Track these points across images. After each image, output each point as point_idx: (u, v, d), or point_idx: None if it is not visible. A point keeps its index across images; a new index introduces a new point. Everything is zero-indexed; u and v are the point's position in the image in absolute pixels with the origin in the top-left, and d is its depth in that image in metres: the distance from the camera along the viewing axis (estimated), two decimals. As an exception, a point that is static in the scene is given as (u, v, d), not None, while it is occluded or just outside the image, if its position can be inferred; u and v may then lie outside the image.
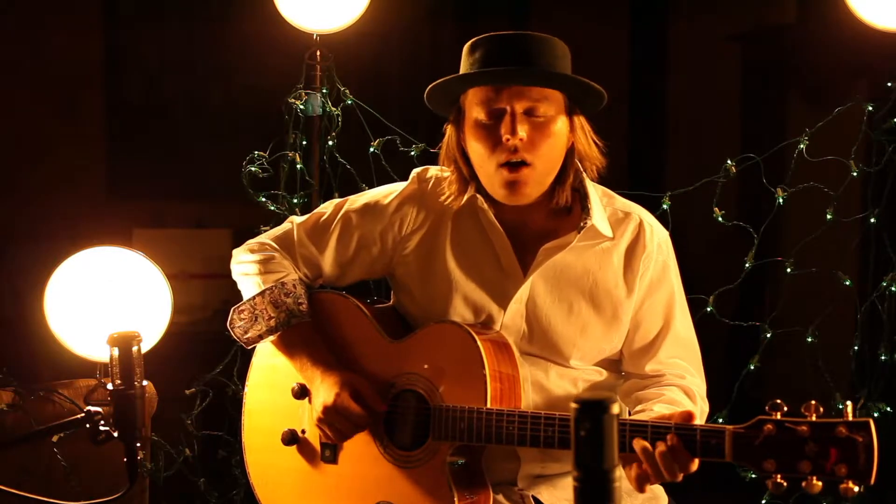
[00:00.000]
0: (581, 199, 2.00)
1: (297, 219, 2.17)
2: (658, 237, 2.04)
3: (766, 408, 1.56)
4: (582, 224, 1.96)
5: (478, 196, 1.99)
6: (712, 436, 1.62)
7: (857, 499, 2.73)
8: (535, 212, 2.00)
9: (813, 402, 1.53)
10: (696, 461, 1.68)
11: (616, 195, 2.08)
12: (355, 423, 1.94)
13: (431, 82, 1.96)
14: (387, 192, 2.11)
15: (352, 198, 2.16)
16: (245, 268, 2.12)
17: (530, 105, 1.90)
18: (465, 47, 1.97)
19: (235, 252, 2.17)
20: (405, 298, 2.10)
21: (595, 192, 2.02)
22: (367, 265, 2.11)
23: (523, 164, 1.89)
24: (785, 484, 1.54)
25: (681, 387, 1.97)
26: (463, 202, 2.01)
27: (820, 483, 1.51)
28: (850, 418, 1.50)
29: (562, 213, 2.01)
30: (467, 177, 1.99)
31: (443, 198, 2.03)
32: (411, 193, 2.08)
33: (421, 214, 2.06)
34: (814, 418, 1.52)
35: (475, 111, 1.92)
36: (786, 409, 1.55)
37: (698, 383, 2.02)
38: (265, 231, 2.24)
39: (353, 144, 2.82)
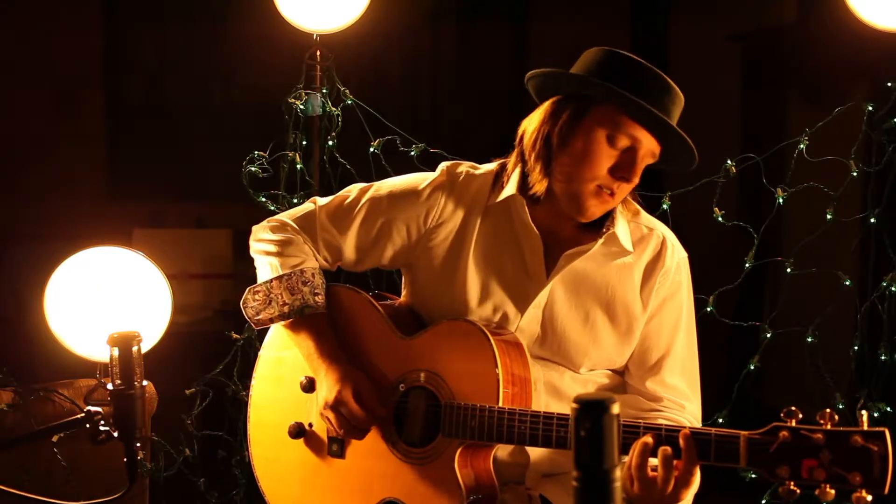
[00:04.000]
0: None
1: (320, 200, 2.14)
2: (678, 257, 2.04)
3: (781, 414, 1.57)
4: (605, 230, 1.96)
5: (517, 196, 1.98)
6: (727, 441, 1.62)
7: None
8: (567, 220, 1.99)
9: (828, 410, 1.53)
10: (696, 479, 1.68)
11: (641, 209, 2.07)
12: (354, 422, 1.93)
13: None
14: (415, 181, 2.08)
15: (377, 183, 2.13)
16: (264, 246, 2.10)
17: (650, 159, 1.93)
18: (619, 55, 1.92)
19: (255, 229, 2.14)
20: (422, 292, 2.08)
21: (621, 204, 2.01)
22: (389, 253, 2.08)
23: (613, 193, 1.92)
24: (798, 491, 1.55)
25: (676, 423, 1.94)
26: (498, 200, 2.01)
27: (833, 491, 1.51)
28: (866, 427, 1.51)
29: (591, 223, 2.00)
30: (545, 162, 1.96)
31: (514, 176, 2.00)
32: (441, 184, 2.06)
33: (448, 207, 2.04)
34: (829, 426, 1.53)
35: (607, 125, 1.88)
36: (800, 416, 1.56)
37: (694, 410, 2.03)
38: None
39: (353, 144, 2.82)
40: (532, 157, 1.96)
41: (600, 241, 1.96)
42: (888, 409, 2.74)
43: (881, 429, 1.50)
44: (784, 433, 1.55)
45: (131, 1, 4.90)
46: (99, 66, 4.91)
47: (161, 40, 4.93)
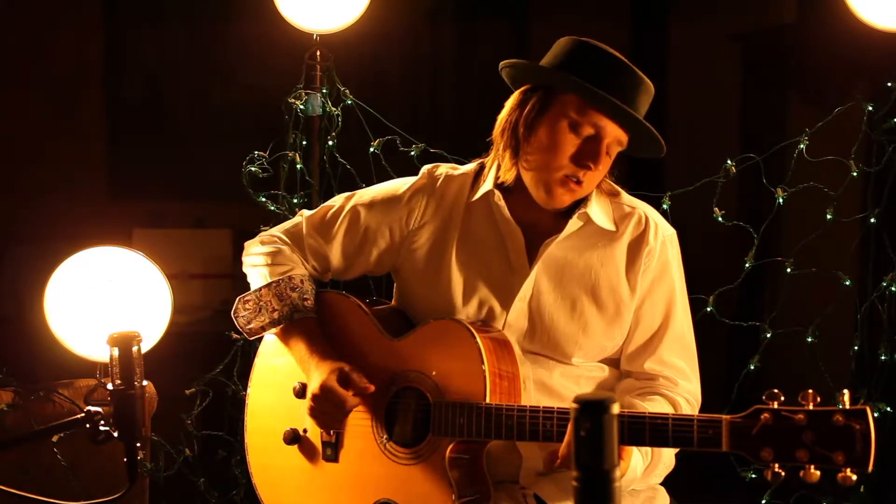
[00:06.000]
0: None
1: (307, 212, 2.19)
2: (663, 234, 2.04)
3: (763, 397, 1.57)
4: (578, 211, 1.97)
5: (495, 192, 2.00)
6: (709, 426, 1.62)
7: (858, 499, 2.73)
8: (545, 210, 2.00)
9: (810, 391, 1.54)
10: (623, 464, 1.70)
11: (623, 191, 2.08)
12: (341, 406, 1.93)
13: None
14: (396, 186, 2.12)
15: (361, 191, 2.17)
16: (254, 259, 2.14)
17: (616, 147, 1.95)
18: (587, 45, 1.94)
19: (247, 244, 2.18)
20: (410, 294, 2.10)
21: (599, 188, 2.02)
22: (375, 258, 2.11)
23: (579, 182, 1.93)
24: (783, 473, 1.54)
25: (667, 397, 1.96)
26: (477, 196, 2.02)
27: (818, 472, 1.51)
28: (847, 406, 1.51)
29: (569, 212, 2.01)
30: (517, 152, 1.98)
31: (491, 168, 2.03)
32: (421, 188, 2.09)
33: (430, 209, 2.07)
34: (811, 407, 1.53)
35: (570, 114, 1.91)
36: (782, 398, 1.56)
37: (691, 389, 2.02)
38: (265, 230, 2.25)
39: (353, 144, 2.82)
40: (501, 146, 2.00)
41: (573, 219, 1.97)
42: (888, 409, 2.74)
43: (862, 407, 1.50)
44: (766, 415, 1.55)
45: (131, 1, 4.89)
46: (99, 66, 4.90)
47: (161, 40, 4.92)
